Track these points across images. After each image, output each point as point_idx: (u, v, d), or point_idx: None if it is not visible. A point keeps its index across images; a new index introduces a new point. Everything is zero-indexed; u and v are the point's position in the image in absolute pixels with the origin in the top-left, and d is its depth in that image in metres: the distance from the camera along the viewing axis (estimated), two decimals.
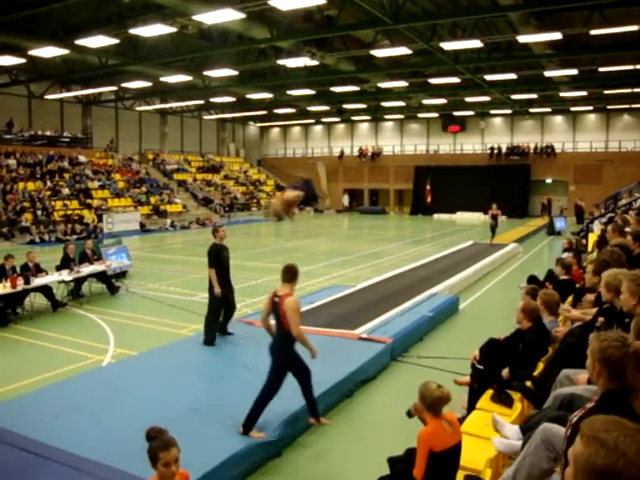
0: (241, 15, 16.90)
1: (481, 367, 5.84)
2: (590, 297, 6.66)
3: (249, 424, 5.89)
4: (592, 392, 3.63)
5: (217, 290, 9.18)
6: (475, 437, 4.57)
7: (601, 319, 5.01)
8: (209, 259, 9.29)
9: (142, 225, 32.21)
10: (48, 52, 21.02)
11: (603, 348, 2.80)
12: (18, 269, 12.30)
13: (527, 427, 4.15)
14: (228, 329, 9.72)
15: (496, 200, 39.17)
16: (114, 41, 19.59)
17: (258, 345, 9.08)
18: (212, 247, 9.38)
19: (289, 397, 6.23)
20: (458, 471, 4.09)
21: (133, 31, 18.45)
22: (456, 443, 4.09)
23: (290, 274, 6.04)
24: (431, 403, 4.13)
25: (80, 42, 19.57)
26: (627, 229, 9.61)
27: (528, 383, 5.23)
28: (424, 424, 4.29)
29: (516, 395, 5.17)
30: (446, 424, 4.09)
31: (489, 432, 4.51)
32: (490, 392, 5.35)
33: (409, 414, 4.49)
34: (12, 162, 31.83)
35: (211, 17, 16.88)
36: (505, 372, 5.36)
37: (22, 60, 23.06)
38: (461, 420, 4.90)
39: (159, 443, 3.46)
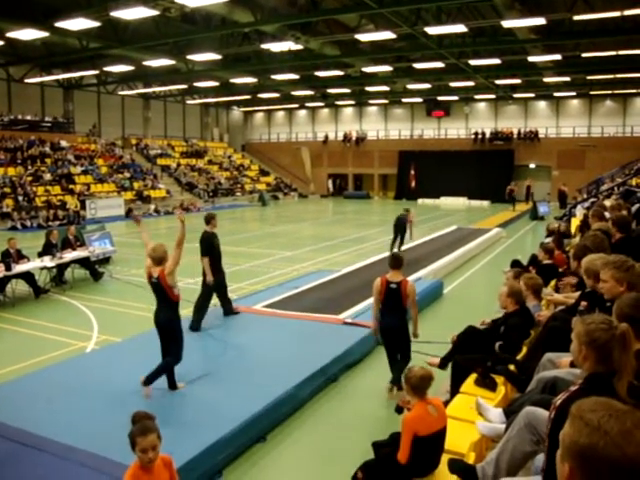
0: None
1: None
2: (570, 280, 6.72)
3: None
4: (575, 375, 3.66)
5: (210, 278, 9.21)
6: (459, 421, 4.61)
7: (584, 303, 5.06)
8: (202, 248, 9.27)
9: (129, 210, 31.88)
10: (27, 34, 20.64)
11: (590, 331, 2.81)
12: None
13: (510, 411, 4.19)
14: (233, 310, 9.88)
15: (480, 185, 38.98)
16: (95, 24, 19.30)
17: (244, 330, 9.13)
18: (204, 236, 9.34)
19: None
20: (442, 455, 4.13)
21: (115, 14, 18.14)
22: (441, 428, 4.13)
23: (400, 261, 6.89)
24: (415, 384, 4.18)
25: (60, 24, 19.25)
26: (606, 214, 9.68)
27: (511, 367, 5.27)
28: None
29: (500, 379, 5.21)
30: (432, 409, 4.12)
31: (473, 416, 4.55)
32: (474, 376, 5.39)
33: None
34: None
35: (194, 0, 16.67)
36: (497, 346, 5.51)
37: (0, 42, 22.63)
38: (445, 404, 4.93)
39: (138, 428, 3.45)
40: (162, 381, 6.86)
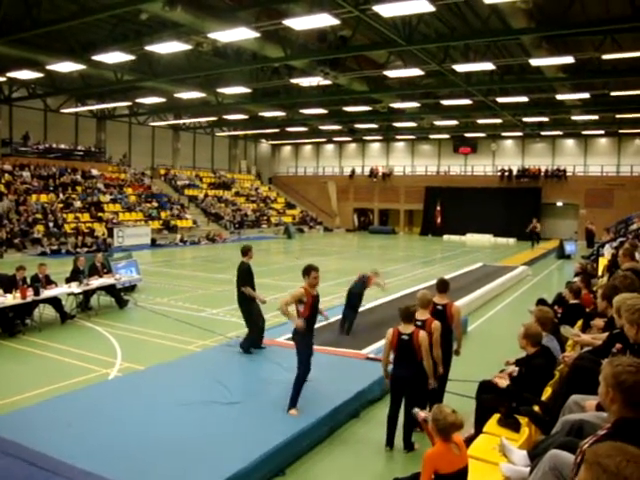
0: (256, 34, 17.07)
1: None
2: (599, 322, 6.61)
3: None
4: (602, 419, 3.59)
5: (263, 298, 9.68)
6: (481, 461, 4.52)
7: (618, 345, 4.94)
8: (242, 277, 9.58)
9: (153, 240, 32.36)
10: (65, 67, 21.30)
11: (617, 374, 2.77)
12: (28, 280, 12.38)
13: (535, 453, 4.10)
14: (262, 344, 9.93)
15: (506, 222, 38.46)
16: (130, 57, 19.84)
17: (265, 362, 9.11)
18: (244, 266, 9.68)
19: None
20: None
21: (149, 48, 18.65)
22: (463, 467, 4.06)
23: (447, 286, 7.34)
24: (443, 427, 4.10)
25: (97, 58, 19.81)
26: (637, 254, 9.53)
27: (536, 408, 5.17)
28: (430, 440, 4.26)
29: (523, 420, 5.11)
30: (454, 447, 4.06)
31: (496, 457, 4.46)
32: (497, 416, 5.30)
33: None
34: (26, 174, 32.18)
35: (226, 35, 17.06)
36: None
37: (40, 75, 23.41)
38: (467, 442, 4.85)
39: None
40: (182, 410, 6.85)
